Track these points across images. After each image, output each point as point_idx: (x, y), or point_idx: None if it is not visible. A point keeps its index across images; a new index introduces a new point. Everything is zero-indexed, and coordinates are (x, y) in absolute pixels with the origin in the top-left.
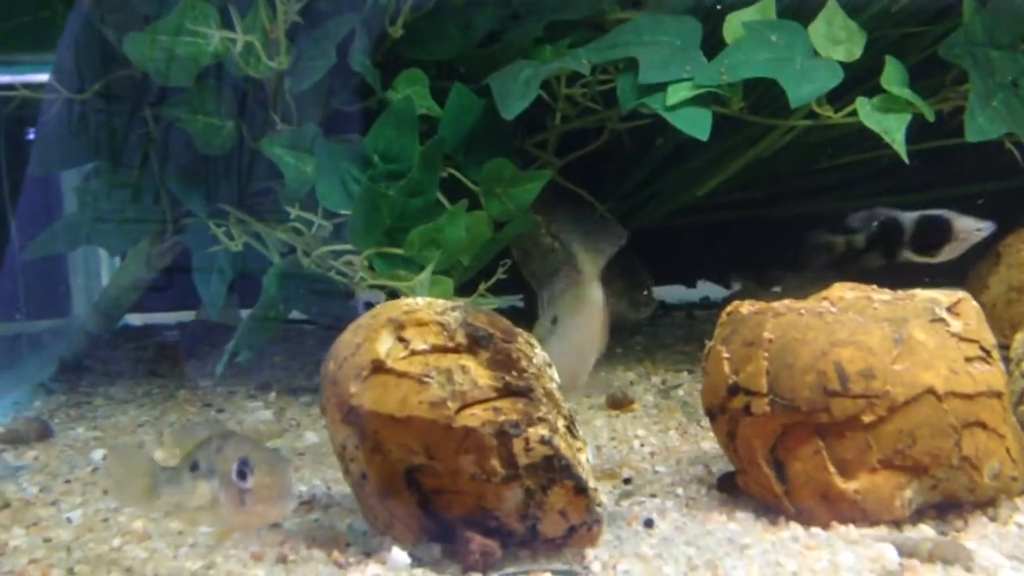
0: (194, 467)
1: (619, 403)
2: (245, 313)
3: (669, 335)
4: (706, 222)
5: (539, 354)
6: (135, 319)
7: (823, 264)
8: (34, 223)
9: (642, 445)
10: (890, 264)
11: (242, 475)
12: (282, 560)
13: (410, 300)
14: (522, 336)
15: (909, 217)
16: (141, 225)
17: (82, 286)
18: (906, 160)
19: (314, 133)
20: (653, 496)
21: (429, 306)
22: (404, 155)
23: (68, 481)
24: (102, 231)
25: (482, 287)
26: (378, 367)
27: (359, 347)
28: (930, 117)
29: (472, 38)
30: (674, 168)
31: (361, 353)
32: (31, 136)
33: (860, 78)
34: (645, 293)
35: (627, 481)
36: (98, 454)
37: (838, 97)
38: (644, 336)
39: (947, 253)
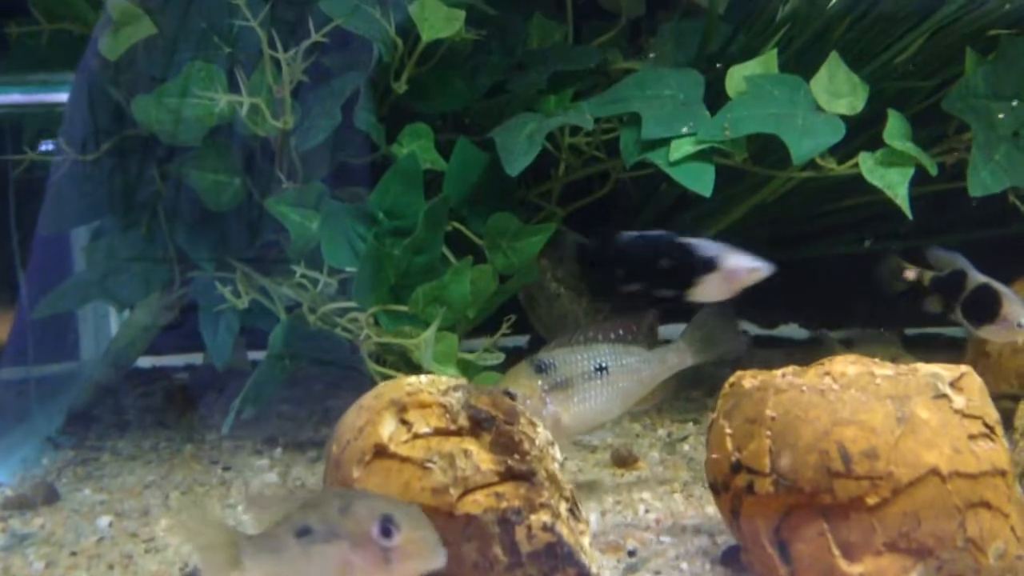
0: (303, 532)
1: (624, 461)
2: (253, 355)
3: (676, 378)
4: None
5: (541, 434)
6: (145, 361)
7: (890, 292)
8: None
9: (647, 511)
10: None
11: (387, 532)
12: None
13: (412, 379)
14: (524, 417)
15: (974, 279)
16: (148, 280)
17: (91, 332)
18: (909, 215)
19: (319, 191)
20: (657, 573)
21: (432, 384)
22: (409, 212)
23: (74, 553)
24: (110, 287)
25: (487, 343)
26: (380, 451)
27: (361, 431)
28: (932, 171)
29: (477, 90)
30: (679, 214)
31: (364, 437)
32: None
33: (863, 126)
34: (651, 336)
35: (631, 554)
36: (104, 521)
37: (842, 143)
38: None
39: (988, 333)
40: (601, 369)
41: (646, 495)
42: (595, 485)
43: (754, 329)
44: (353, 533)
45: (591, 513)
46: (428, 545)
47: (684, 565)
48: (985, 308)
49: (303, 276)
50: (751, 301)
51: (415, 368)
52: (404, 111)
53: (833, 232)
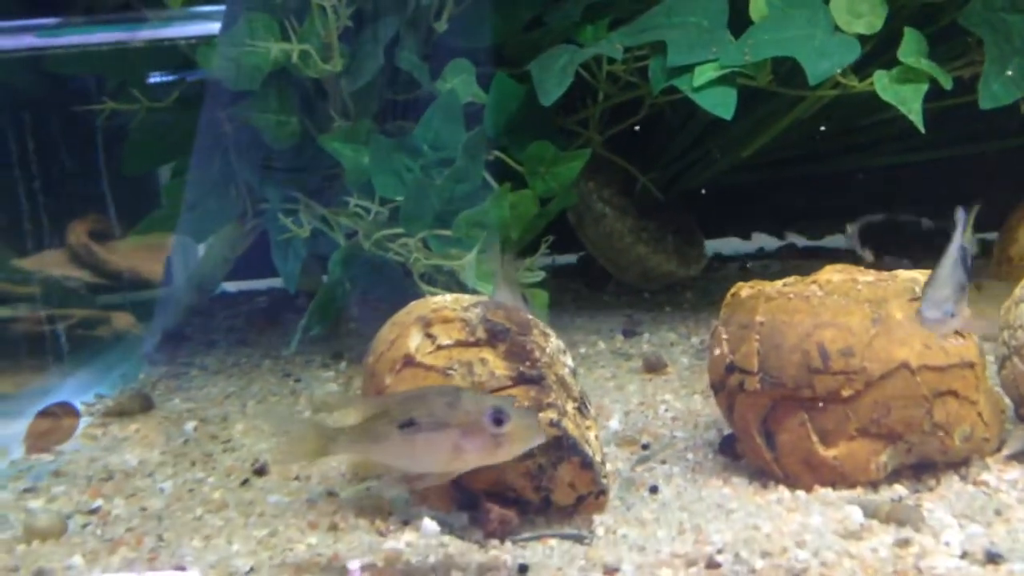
0: (407, 424)
1: (654, 367)
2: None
3: (719, 290)
4: (757, 178)
5: (553, 343)
6: (231, 286)
7: None
8: None
9: (666, 410)
10: None
11: (499, 422)
12: (333, 528)
13: (438, 298)
14: (537, 328)
15: None
16: (221, 213)
17: (181, 260)
18: (922, 130)
19: (368, 127)
20: (664, 463)
21: (455, 302)
22: (451, 143)
23: (164, 452)
24: (187, 221)
25: (529, 261)
26: (408, 361)
27: (392, 343)
28: (947, 85)
29: (516, 25)
30: (717, 134)
31: (394, 348)
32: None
33: (885, 45)
34: (696, 250)
35: (645, 447)
36: (190, 426)
37: (867, 63)
38: (694, 292)
39: None
40: None
41: (668, 396)
42: (624, 387)
43: (801, 240)
44: (464, 423)
45: (615, 414)
46: (531, 430)
47: (690, 455)
48: None
49: (357, 206)
50: (798, 213)
51: (463, 287)
52: (447, 48)
53: (871, 145)
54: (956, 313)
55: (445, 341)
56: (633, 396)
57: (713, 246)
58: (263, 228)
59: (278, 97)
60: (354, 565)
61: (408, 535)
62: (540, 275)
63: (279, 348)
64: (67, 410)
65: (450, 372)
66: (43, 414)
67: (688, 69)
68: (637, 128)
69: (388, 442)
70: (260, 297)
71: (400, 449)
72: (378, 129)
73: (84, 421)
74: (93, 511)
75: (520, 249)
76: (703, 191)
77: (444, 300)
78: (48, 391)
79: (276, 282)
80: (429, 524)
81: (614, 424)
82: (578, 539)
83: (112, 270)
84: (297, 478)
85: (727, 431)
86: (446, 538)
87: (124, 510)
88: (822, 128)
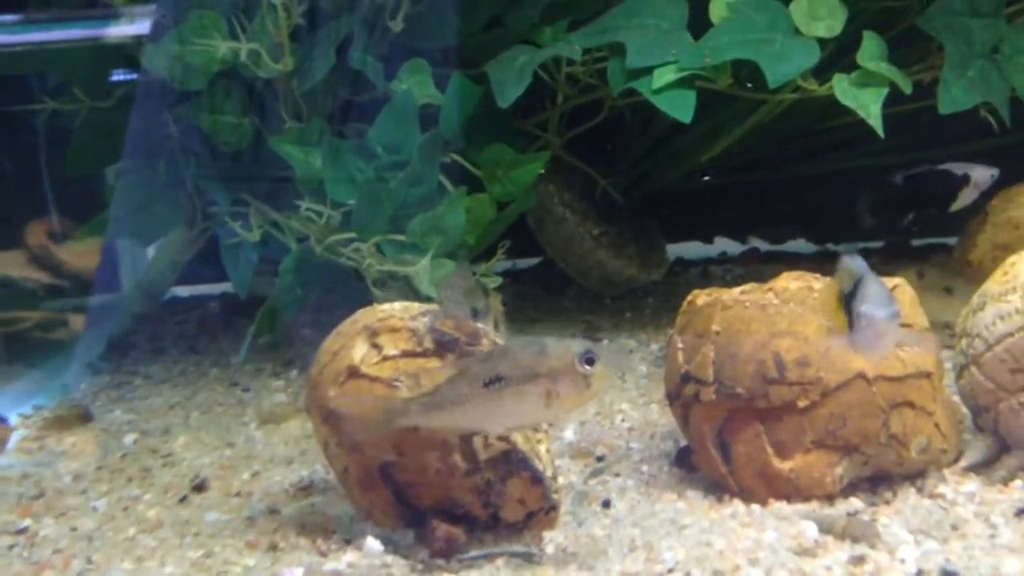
0: (493, 380)
1: None
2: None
3: (681, 295)
4: (719, 183)
5: None
6: (185, 291)
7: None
8: None
9: (623, 420)
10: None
11: (590, 362)
12: (273, 548)
13: (386, 306)
14: (487, 338)
15: None
16: (168, 217)
17: (129, 264)
18: (881, 134)
19: (321, 128)
20: (618, 475)
21: (404, 311)
22: (406, 146)
23: (100, 468)
24: (133, 225)
25: (484, 267)
26: (353, 372)
27: (336, 354)
28: (907, 89)
29: (474, 25)
30: (678, 137)
31: (338, 360)
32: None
33: (846, 49)
34: (658, 255)
35: (600, 459)
36: (130, 439)
37: (828, 67)
38: (656, 297)
39: None
40: None
41: (626, 406)
42: None
43: (764, 245)
44: (556, 368)
45: (570, 425)
46: (615, 364)
47: (645, 467)
48: None
49: (309, 209)
50: (761, 218)
51: (418, 294)
52: (404, 48)
53: (833, 149)
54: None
55: (391, 351)
56: (590, 406)
57: (676, 250)
58: (215, 232)
59: (226, 97)
60: None
61: (350, 555)
62: (497, 280)
63: (229, 356)
64: None
65: (396, 384)
66: None
67: (648, 71)
68: (599, 131)
69: (472, 402)
70: (214, 302)
71: (486, 407)
72: (334, 131)
73: (19, 434)
74: (21, 531)
75: (477, 254)
76: (665, 195)
77: (392, 308)
78: None
79: (232, 287)
80: (372, 543)
81: (569, 435)
82: (527, 557)
83: (71, 272)
84: (238, 494)
85: (684, 442)
86: (389, 557)
87: (53, 530)
88: (784, 132)
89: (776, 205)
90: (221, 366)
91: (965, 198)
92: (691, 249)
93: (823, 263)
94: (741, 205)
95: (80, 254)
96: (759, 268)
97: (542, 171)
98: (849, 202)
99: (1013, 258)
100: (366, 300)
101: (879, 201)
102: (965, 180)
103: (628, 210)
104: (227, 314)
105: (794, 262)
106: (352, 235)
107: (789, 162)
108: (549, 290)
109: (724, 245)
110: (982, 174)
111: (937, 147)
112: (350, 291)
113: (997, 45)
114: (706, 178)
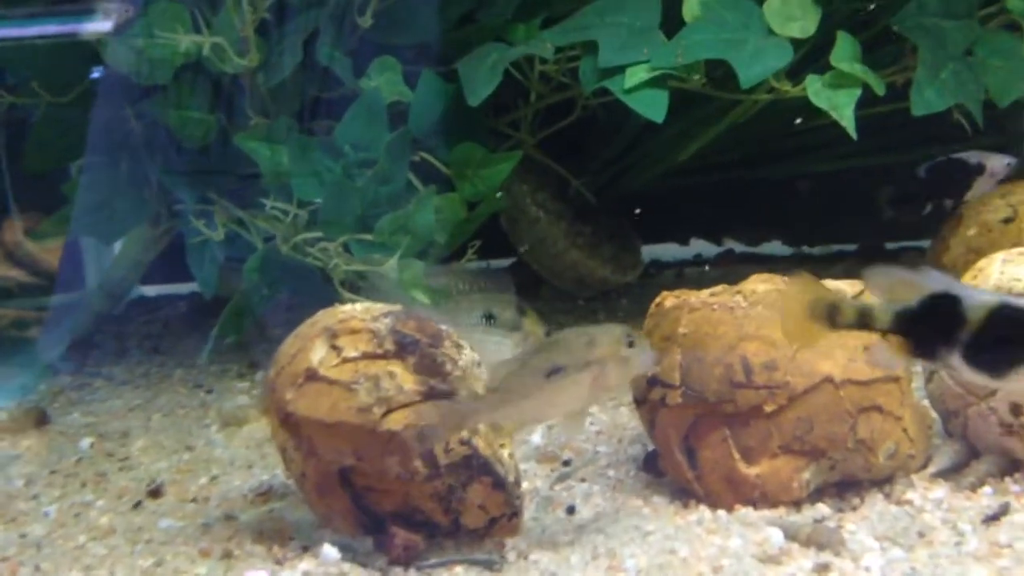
0: (553, 371)
1: None
2: None
3: (654, 297)
4: (694, 183)
5: (466, 355)
6: (152, 290)
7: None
8: None
9: (591, 423)
10: None
11: (632, 344)
12: (227, 556)
13: (347, 307)
14: (449, 339)
15: None
16: (131, 215)
17: (93, 263)
18: (853, 135)
19: (288, 125)
20: (584, 480)
21: (365, 312)
22: (374, 143)
23: (53, 472)
24: (93, 223)
25: (454, 267)
26: (311, 375)
27: (294, 357)
28: (880, 90)
29: (446, 21)
30: (651, 137)
31: (296, 362)
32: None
33: (820, 50)
34: (632, 256)
35: (566, 463)
36: (86, 442)
37: (802, 68)
38: (630, 299)
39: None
40: None
41: (594, 409)
42: None
43: (739, 246)
44: (605, 354)
45: (537, 428)
46: (646, 345)
47: (611, 472)
48: None
49: (274, 208)
50: (737, 219)
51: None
52: (374, 45)
53: (811, 150)
54: None
55: (351, 353)
56: None
57: (650, 252)
58: (180, 230)
59: (192, 92)
60: None
61: (306, 563)
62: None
63: (194, 357)
64: None
65: (355, 386)
66: None
67: (620, 70)
68: (573, 130)
69: (537, 394)
70: (182, 302)
71: (548, 397)
72: (302, 128)
73: None
74: None
75: (447, 254)
76: (640, 196)
77: (354, 309)
78: None
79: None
80: (329, 551)
81: (536, 439)
82: (487, 565)
83: (46, 269)
84: (195, 499)
85: (651, 447)
86: (346, 565)
87: (2, 536)
88: (759, 133)
89: (752, 206)
90: (185, 367)
91: (981, 187)
92: (666, 251)
93: (800, 264)
94: (716, 206)
95: (55, 251)
96: (735, 270)
97: (514, 170)
98: (863, 198)
99: (982, 262)
100: (335, 300)
101: (899, 195)
102: (980, 169)
103: (603, 211)
104: (195, 314)
105: (770, 264)
106: (319, 234)
107: (765, 163)
108: (522, 291)
109: (700, 247)
110: (998, 162)
111: (915, 149)
112: (317, 291)
113: (971, 47)
114: (682, 179)
